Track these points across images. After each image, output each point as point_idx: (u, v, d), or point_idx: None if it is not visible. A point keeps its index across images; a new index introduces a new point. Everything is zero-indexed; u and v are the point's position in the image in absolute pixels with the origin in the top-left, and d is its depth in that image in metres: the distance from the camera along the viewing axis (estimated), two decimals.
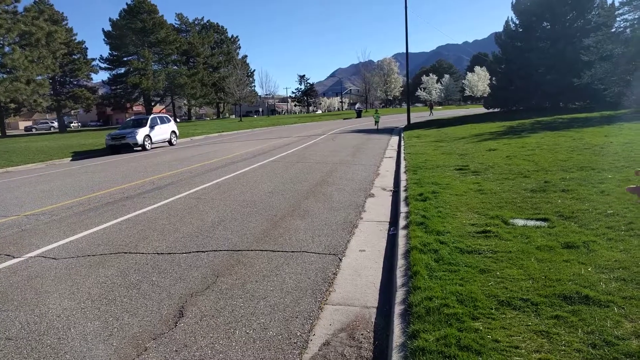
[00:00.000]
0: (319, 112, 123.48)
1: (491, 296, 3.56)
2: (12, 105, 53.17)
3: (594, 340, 2.86)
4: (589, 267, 3.98)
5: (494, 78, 46.89)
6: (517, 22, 39.96)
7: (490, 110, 45.31)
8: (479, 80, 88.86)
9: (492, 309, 3.35)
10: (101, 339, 3.58)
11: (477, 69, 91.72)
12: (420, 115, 50.82)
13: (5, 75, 25.25)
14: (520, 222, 5.53)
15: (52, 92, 59.22)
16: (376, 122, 30.53)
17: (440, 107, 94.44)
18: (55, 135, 49.47)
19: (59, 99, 62.57)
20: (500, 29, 43.08)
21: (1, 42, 22.15)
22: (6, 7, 22.43)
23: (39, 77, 26.69)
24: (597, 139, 13.15)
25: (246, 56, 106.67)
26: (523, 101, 40.14)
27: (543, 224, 5.39)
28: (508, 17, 40.78)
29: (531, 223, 5.45)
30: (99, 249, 5.97)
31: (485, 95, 68.26)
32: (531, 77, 36.95)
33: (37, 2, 57.48)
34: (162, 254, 5.63)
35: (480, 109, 55.37)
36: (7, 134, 61.25)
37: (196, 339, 3.52)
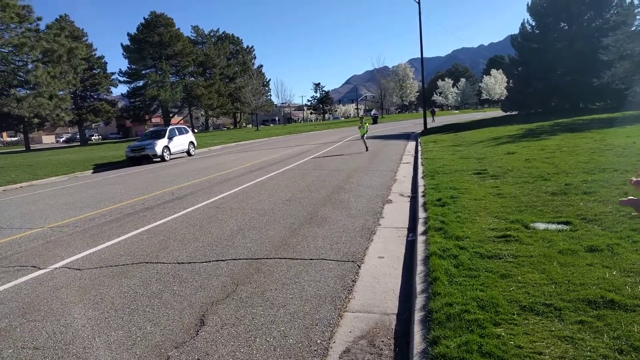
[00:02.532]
0: (340, 118, 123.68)
1: (513, 301, 3.51)
2: (36, 120, 54.74)
3: (620, 345, 2.80)
4: (614, 270, 3.90)
5: (511, 81, 46.39)
6: (533, 24, 39.54)
7: (508, 113, 44.80)
8: (496, 83, 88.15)
9: (514, 314, 3.31)
10: (125, 348, 3.64)
11: (493, 72, 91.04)
12: (436, 120, 50.45)
13: (29, 91, 25.97)
14: (541, 225, 5.45)
15: (73, 106, 60.56)
16: (363, 136, 20.00)
17: (456, 111, 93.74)
18: (76, 148, 50.59)
19: (80, 113, 64.07)
20: (516, 31, 42.64)
21: (25, 59, 22.79)
22: (29, 26, 23.12)
23: (61, 92, 27.44)
24: (619, 140, 12.88)
25: (262, 66, 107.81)
26: (541, 103, 39.60)
27: (565, 227, 5.30)
28: (524, 19, 40.42)
29: (553, 227, 5.36)
30: (121, 259, 6.08)
31: (502, 98, 67.60)
32: (549, 78, 36.46)
33: (59, 20, 59.17)
34: (182, 263, 5.71)
35: (497, 112, 54.78)
36: (31, 147, 62.91)
37: (217, 347, 3.55)
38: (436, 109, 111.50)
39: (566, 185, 7.48)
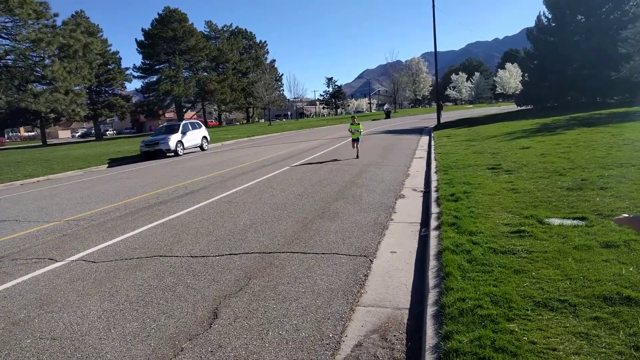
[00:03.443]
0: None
1: (527, 297, 3.48)
2: (52, 115, 55.51)
3: (636, 342, 2.76)
4: (630, 266, 3.85)
5: (526, 74, 45.73)
6: (550, 17, 38.87)
7: (523, 107, 44.22)
8: (511, 77, 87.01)
9: (527, 310, 3.28)
10: (140, 340, 3.69)
11: (508, 65, 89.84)
12: (449, 114, 50.03)
13: (45, 87, 26.34)
14: (556, 221, 5.39)
15: (88, 101, 61.31)
16: (355, 140, 15.65)
17: (470, 106, 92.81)
18: (92, 143, 51.24)
19: (95, 108, 64.79)
20: (531, 24, 42.01)
21: (42, 55, 23.11)
22: (46, 22, 23.41)
23: (77, 87, 27.79)
24: (638, 134, 12.65)
25: (274, 60, 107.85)
26: (557, 97, 39.02)
27: (580, 223, 5.23)
28: (540, 12, 39.80)
29: (568, 222, 5.30)
30: (135, 252, 6.16)
31: (517, 92, 66.72)
32: (565, 72, 35.87)
33: (75, 16, 59.81)
34: (196, 256, 5.76)
35: (511, 107, 54.13)
36: (48, 142, 63.91)
37: (230, 339, 3.58)
38: (449, 103, 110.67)
39: (582, 181, 7.38)
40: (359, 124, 15.88)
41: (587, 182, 7.22)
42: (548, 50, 37.96)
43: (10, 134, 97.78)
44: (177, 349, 3.51)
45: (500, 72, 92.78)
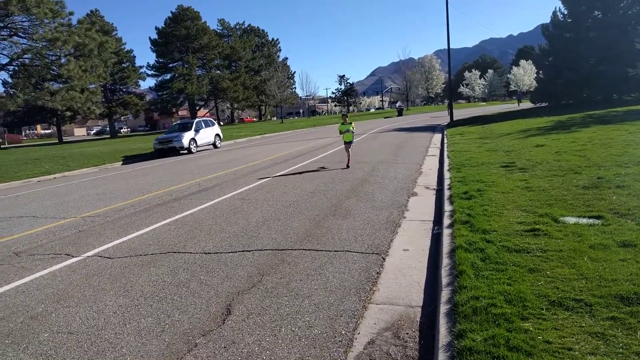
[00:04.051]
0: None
1: (541, 296, 3.45)
2: (68, 113, 56.26)
3: None
4: None
5: (541, 71, 45.08)
6: (566, 13, 38.26)
7: (538, 105, 43.65)
8: (525, 74, 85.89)
9: (542, 309, 3.25)
10: (154, 335, 3.74)
11: (522, 62, 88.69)
12: (462, 112, 49.62)
13: (61, 85, 26.73)
14: (571, 219, 5.32)
15: (103, 99, 62.04)
16: (348, 143, 13.10)
17: (484, 103, 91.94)
18: (106, 141, 51.87)
19: (110, 106, 65.53)
20: (546, 20, 41.36)
21: (58, 53, 23.44)
22: (62, 21, 23.73)
23: (92, 86, 28.14)
24: None
25: (287, 58, 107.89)
26: (573, 94, 38.40)
27: (597, 221, 5.16)
28: (555, 8, 39.14)
29: (583, 221, 5.23)
30: (150, 248, 6.23)
31: (531, 89, 65.89)
32: (581, 69, 35.30)
33: (90, 15, 60.51)
34: (209, 253, 5.81)
35: (526, 104, 53.48)
36: (64, 140, 64.83)
37: (243, 335, 3.61)
38: (462, 101, 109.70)
39: (598, 179, 7.27)
40: (350, 123, 13.12)
41: (603, 181, 7.12)
42: (563, 47, 37.40)
43: (28, 131, 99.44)
44: (191, 344, 3.55)
45: (514, 69, 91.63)
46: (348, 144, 13.12)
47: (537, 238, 4.78)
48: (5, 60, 23.67)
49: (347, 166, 12.63)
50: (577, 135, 14.13)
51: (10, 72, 26.65)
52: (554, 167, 8.89)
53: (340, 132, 13.30)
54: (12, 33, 22.86)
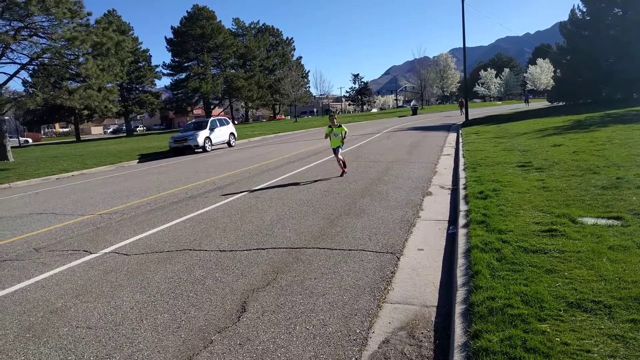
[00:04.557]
0: (374, 110, 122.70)
1: (559, 297, 3.41)
2: (85, 112, 57.05)
3: None
4: None
5: (558, 70, 44.47)
6: (584, 10, 37.64)
7: (555, 104, 43.03)
8: (542, 72, 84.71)
9: (560, 310, 3.21)
10: (171, 331, 3.79)
11: (539, 61, 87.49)
12: (477, 111, 49.14)
13: (79, 84, 27.16)
14: (589, 220, 5.24)
15: (120, 98, 62.85)
16: (337, 149, 11.12)
17: (499, 102, 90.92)
18: (123, 139, 52.50)
19: (126, 105, 66.37)
20: (565, 18, 40.76)
21: (76, 53, 23.80)
22: (80, 21, 24.09)
23: (109, 84, 28.50)
24: None
25: (301, 57, 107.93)
26: (591, 93, 37.78)
27: (616, 222, 5.07)
28: (574, 5, 38.56)
29: (602, 222, 5.15)
30: (165, 246, 6.30)
31: (548, 88, 64.97)
32: (600, 67, 34.71)
33: (107, 14, 61.30)
34: (224, 251, 5.85)
35: (543, 103, 52.72)
36: (81, 138, 65.83)
37: (258, 333, 3.63)
38: (477, 100, 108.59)
39: (617, 179, 7.15)
40: (340, 125, 11.17)
41: (622, 181, 6.99)
42: (582, 45, 36.80)
43: (46, 129, 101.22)
44: (206, 340, 3.58)
45: (531, 67, 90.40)
46: (335, 150, 11.12)
47: (554, 239, 4.72)
48: (25, 60, 24.03)
49: (343, 174, 11.08)
50: (595, 134, 13.90)
51: (30, 72, 27.10)
52: (572, 167, 8.76)
53: (327, 136, 11.26)
54: (32, 33, 23.26)
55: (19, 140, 60.49)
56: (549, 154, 10.73)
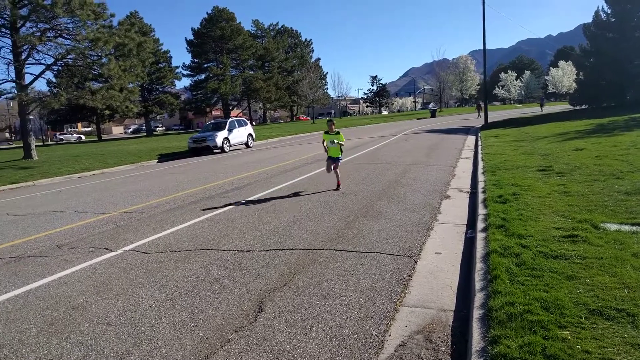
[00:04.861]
0: (386, 112, 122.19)
1: (580, 304, 3.35)
2: (107, 112, 58.11)
3: None
4: None
5: (581, 73, 43.64)
6: (609, 12, 36.89)
7: (577, 107, 42.26)
8: (564, 75, 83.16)
9: (581, 317, 3.16)
10: (189, 329, 3.83)
11: (561, 63, 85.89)
12: (497, 114, 48.54)
13: (101, 84, 27.72)
14: (612, 226, 5.13)
15: (140, 98, 63.85)
16: (334, 161, 9.80)
17: (520, 105, 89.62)
18: (143, 139, 53.29)
19: (146, 105, 67.42)
20: (588, 19, 39.99)
21: (99, 54, 24.31)
22: (103, 22, 24.63)
23: (130, 85, 29.04)
24: None
25: (319, 59, 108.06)
26: (615, 97, 37.00)
27: None
28: (598, 7, 37.82)
29: (626, 228, 5.04)
30: (184, 245, 6.38)
31: (570, 91, 63.81)
32: (625, 70, 33.96)
33: (129, 16, 62.40)
34: (241, 251, 5.90)
35: (562, 106, 51.81)
36: (103, 137, 67.06)
37: (275, 333, 3.65)
38: (497, 103, 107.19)
39: None
40: (338, 132, 9.79)
41: None
42: (606, 47, 36.08)
43: (69, 129, 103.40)
44: (224, 339, 3.62)
45: (553, 70, 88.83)
46: (334, 160, 9.77)
47: (575, 244, 4.64)
48: (50, 61, 24.63)
49: (338, 187, 9.74)
50: (619, 138, 13.60)
51: (54, 72, 27.76)
52: (594, 171, 8.59)
53: (324, 146, 9.96)
54: (57, 34, 23.82)
55: (72, 137, 65.81)
56: (571, 158, 10.54)
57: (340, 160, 10.02)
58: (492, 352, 2.87)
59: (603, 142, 13.23)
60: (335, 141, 9.68)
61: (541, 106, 53.55)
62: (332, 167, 9.81)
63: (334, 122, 10.17)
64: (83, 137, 77.38)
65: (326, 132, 9.94)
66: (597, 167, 9.06)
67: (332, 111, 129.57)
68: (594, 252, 4.37)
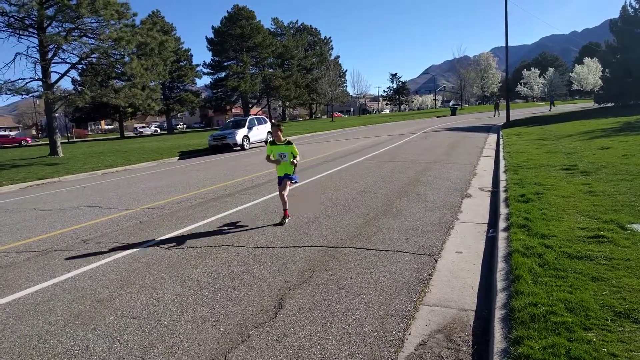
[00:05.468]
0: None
1: (606, 306, 3.28)
2: (129, 110, 59.13)
3: None
4: None
5: (607, 70, 42.57)
6: (637, 7, 35.91)
7: (603, 105, 41.27)
8: (589, 72, 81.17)
9: (607, 320, 3.09)
10: (210, 324, 3.88)
11: (586, 60, 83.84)
12: (519, 112, 47.73)
13: (124, 83, 28.23)
14: None
15: (162, 96, 64.72)
16: (284, 178, 7.06)
17: (542, 103, 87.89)
18: (164, 137, 54.07)
19: (167, 103, 68.37)
20: (615, 15, 39.09)
21: (122, 52, 24.76)
22: (126, 21, 25.07)
23: (152, 83, 29.52)
24: None
25: (338, 57, 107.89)
26: None
27: None
28: (625, 2, 36.84)
29: None
30: (205, 241, 6.45)
31: (596, 89, 62.33)
32: None
33: (151, 15, 63.33)
34: (261, 247, 5.94)
35: (583, 105, 50.66)
36: (125, 135, 68.24)
37: (295, 330, 3.68)
38: (519, 101, 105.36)
39: None
40: (289, 142, 7.05)
41: None
42: (634, 43, 35.12)
43: (93, 127, 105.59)
44: (244, 335, 3.66)
45: (577, 67, 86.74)
46: (283, 179, 7.15)
47: (601, 245, 4.54)
48: (75, 60, 25.18)
49: (282, 222, 7.05)
50: None
51: (79, 71, 28.35)
52: (621, 170, 8.38)
53: (269, 158, 7.15)
54: (82, 34, 24.33)
55: (150, 129, 77.50)
56: (596, 157, 10.31)
57: (296, 181, 7.41)
58: (514, 352, 2.84)
59: (630, 140, 12.89)
60: (286, 155, 6.97)
61: (551, 105, 52.56)
62: (281, 190, 7.09)
63: (282, 127, 7.22)
64: (159, 130, 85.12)
65: (272, 143, 7.12)
66: (623, 166, 8.84)
67: (352, 109, 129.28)
68: (621, 253, 4.27)
